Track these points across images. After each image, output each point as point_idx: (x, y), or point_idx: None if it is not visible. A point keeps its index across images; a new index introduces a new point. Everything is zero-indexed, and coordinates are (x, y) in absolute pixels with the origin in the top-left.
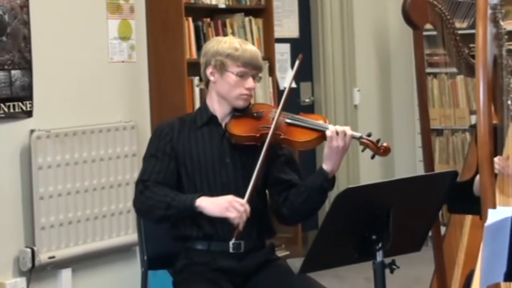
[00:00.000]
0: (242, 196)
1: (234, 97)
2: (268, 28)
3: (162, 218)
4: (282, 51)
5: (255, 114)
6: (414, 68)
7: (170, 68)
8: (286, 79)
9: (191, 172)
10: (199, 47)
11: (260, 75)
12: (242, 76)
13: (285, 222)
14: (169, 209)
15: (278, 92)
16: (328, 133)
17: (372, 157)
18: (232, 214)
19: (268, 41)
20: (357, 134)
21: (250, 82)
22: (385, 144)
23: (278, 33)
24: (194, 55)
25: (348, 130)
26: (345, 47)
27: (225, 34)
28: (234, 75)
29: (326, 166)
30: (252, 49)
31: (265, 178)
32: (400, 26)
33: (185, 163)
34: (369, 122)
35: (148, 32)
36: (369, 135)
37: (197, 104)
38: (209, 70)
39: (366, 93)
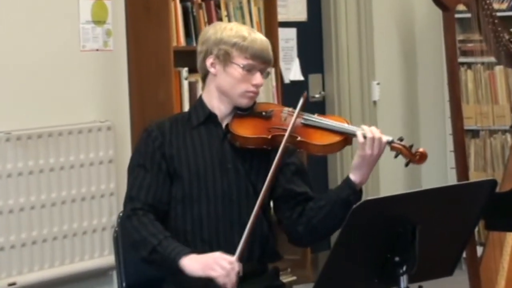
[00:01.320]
0: (244, 209)
1: (238, 94)
2: (270, 9)
3: (144, 260)
4: (288, 37)
5: (263, 113)
6: (445, 57)
7: (153, 58)
8: (293, 115)
9: (187, 180)
10: (187, 33)
11: (268, 70)
12: (249, 70)
13: (299, 243)
14: (153, 254)
15: (283, 87)
16: (360, 138)
17: (406, 165)
18: (215, 273)
19: (271, 26)
20: (389, 138)
21: (258, 78)
22: (421, 150)
23: (282, 15)
24: (182, 42)
25: (382, 135)
26: (362, 32)
27: (219, 18)
28: (240, 68)
29: (354, 177)
30: (262, 39)
31: (271, 189)
32: (428, 8)
33: (180, 171)
34: (391, 122)
35: (127, 14)
36: (400, 139)
37: (186, 100)
38: (209, 61)
39: (387, 87)
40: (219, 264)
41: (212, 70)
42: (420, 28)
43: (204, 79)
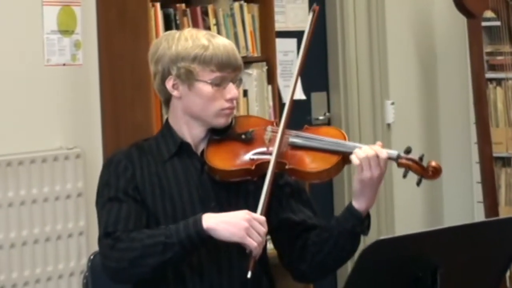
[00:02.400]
0: (234, 254)
1: (212, 115)
2: (266, 17)
3: (157, 267)
4: (287, 50)
5: (243, 137)
6: (470, 72)
7: (130, 73)
8: (294, 64)
9: (162, 221)
10: None
11: (240, 76)
12: (219, 84)
13: (303, 279)
14: (167, 251)
15: (280, 107)
16: (355, 160)
17: (418, 183)
18: (253, 242)
19: (267, 35)
20: (393, 153)
21: (231, 90)
22: (433, 164)
23: (280, 24)
24: None
25: (381, 150)
26: (374, 43)
27: (206, 26)
28: (208, 85)
29: (358, 204)
30: (226, 43)
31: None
32: (450, 14)
33: (155, 213)
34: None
35: (99, 23)
36: (407, 151)
37: None
38: (169, 83)
39: (403, 108)
40: (255, 228)
41: (175, 93)
42: (441, 38)
43: (166, 102)
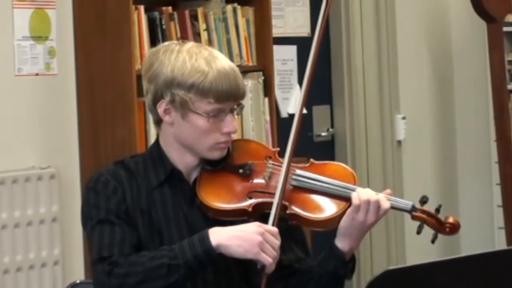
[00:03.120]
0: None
1: (206, 148)
2: (263, 22)
3: None
4: (285, 58)
5: (240, 171)
6: (490, 83)
7: (110, 85)
8: (305, 75)
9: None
10: None
11: (242, 103)
12: (216, 115)
13: None
14: (172, 274)
15: (278, 122)
16: (355, 200)
17: (433, 241)
18: (268, 259)
19: (263, 43)
20: (406, 204)
21: (229, 123)
22: (450, 220)
23: (278, 29)
24: None
25: (384, 200)
26: (383, 51)
27: (195, 32)
28: (204, 118)
29: (341, 244)
30: (227, 69)
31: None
32: (468, 19)
33: (143, 241)
34: (420, 167)
35: (76, 28)
36: (423, 200)
37: (152, 140)
38: (161, 107)
39: (415, 123)
40: (269, 241)
41: (166, 118)
42: (458, 45)
43: (157, 123)
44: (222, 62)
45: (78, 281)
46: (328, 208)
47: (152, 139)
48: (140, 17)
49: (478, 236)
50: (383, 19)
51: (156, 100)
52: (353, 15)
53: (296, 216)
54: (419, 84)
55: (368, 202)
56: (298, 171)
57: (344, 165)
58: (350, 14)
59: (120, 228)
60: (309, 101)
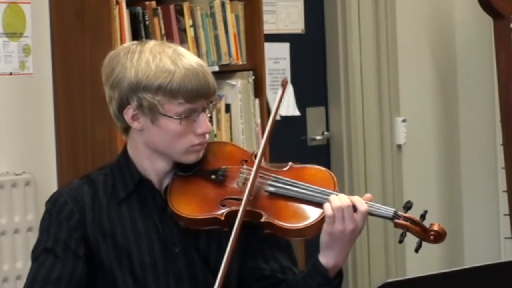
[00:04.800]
0: None
1: (180, 152)
2: (253, 17)
3: None
4: (278, 56)
5: (212, 177)
6: (496, 84)
7: (89, 85)
8: (271, 114)
9: (122, 281)
10: None
11: (213, 100)
12: (188, 116)
13: None
14: None
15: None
16: (327, 210)
17: (417, 249)
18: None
19: (254, 40)
20: (387, 211)
21: (203, 123)
22: (435, 228)
23: (270, 25)
24: None
25: (361, 202)
26: (382, 49)
27: (181, 28)
28: (176, 121)
29: (324, 259)
30: (194, 65)
31: (235, 267)
32: (473, 15)
33: (108, 266)
34: (421, 173)
35: (53, 24)
36: (407, 206)
37: None
38: (128, 113)
39: (417, 126)
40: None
41: (134, 125)
42: (463, 43)
43: (125, 131)
44: (189, 59)
45: None
46: (304, 216)
47: None
48: (121, 13)
49: (483, 247)
50: (383, 14)
51: (122, 107)
52: (350, 10)
53: (271, 224)
54: (421, 84)
55: (341, 209)
56: (274, 176)
57: (324, 169)
58: (347, 9)
59: (61, 265)
60: (303, 102)
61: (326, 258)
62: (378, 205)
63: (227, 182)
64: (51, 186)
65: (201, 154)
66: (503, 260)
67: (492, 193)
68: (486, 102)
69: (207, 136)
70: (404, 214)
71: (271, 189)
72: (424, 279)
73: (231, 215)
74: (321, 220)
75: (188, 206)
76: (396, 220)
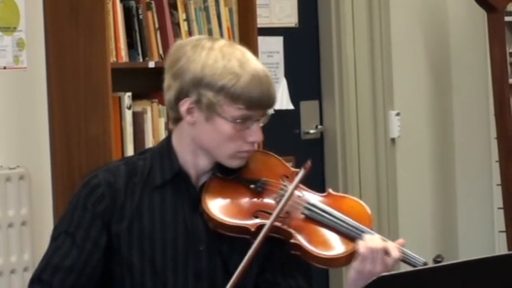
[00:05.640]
0: None
1: (226, 155)
2: (247, 11)
3: None
4: (271, 50)
5: (251, 186)
6: (490, 77)
7: (83, 79)
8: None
9: (139, 269)
10: (131, 44)
11: (269, 112)
12: (243, 121)
13: None
14: None
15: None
16: (361, 248)
17: None
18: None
19: (247, 34)
20: (418, 260)
21: (255, 133)
22: None
23: (263, 19)
24: (124, 57)
25: (394, 249)
26: (376, 42)
27: (175, 22)
28: (230, 124)
29: None
30: (260, 75)
31: (251, 279)
32: (466, 9)
33: (128, 254)
34: (415, 167)
35: (46, 18)
36: (438, 260)
37: (128, 138)
38: (184, 105)
39: (410, 120)
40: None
41: (188, 118)
42: (456, 36)
43: (175, 121)
44: (256, 65)
45: None
46: (334, 246)
47: (128, 137)
48: (115, 7)
49: (477, 240)
50: (376, 8)
51: (179, 98)
52: (343, 3)
53: (299, 246)
54: (415, 78)
55: (375, 251)
56: (313, 199)
57: (363, 203)
58: (340, 2)
59: (77, 253)
60: (296, 96)
61: None
62: (410, 253)
63: (265, 195)
64: (45, 180)
65: (244, 161)
66: (497, 253)
67: (486, 186)
68: (480, 95)
69: (256, 146)
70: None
71: (307, 212)
72: (417, 273)
73: (262, 228)
74: (350, 255)
75: (221, 210)
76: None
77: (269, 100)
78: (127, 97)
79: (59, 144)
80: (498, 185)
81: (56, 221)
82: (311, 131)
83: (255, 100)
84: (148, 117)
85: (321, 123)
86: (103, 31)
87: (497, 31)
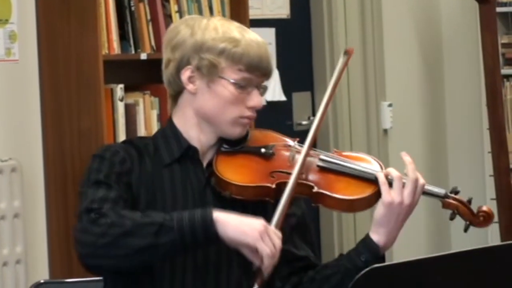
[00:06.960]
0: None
1: (228, 121)
2: (239, 3)
3: (143, 253)
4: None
5: (263, 150)
6: (482, 68)
7: (75, 71)
8: (324, 97)
9: None
10: (123, 36)
11: (265, 83)
12: (244, 86)
13: None
14: (161, 234)
15: (256, 110)
16: (381, 178)
17: (466, 229)
18: (266, 248)
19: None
20: (439, 190)
21: (255, 97)
22: (485, 208)
23: (255, 11)
24: (116, 49)
25: (420, 176)
26: (368, 34)
27: (167, 14)
28: (232, 85)
29: (377, 237)
30: (259, 42)
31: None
32: (458, 1)
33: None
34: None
35: (38, 11)
36: (455, 191)
37: (121, 129)
38: (186, 73)
39: (403, 111)
40: (270, 235)
41: (190, 86)
42: (448, 27)
43: (175, 97)
44: (253, 34)
45: (42, 281)
46: (357, 189)
47: (121, 129)
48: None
49: (470, 232)
50: None
51: (180, 67)
52: None
53: (322, 195)
54: (407, 69)
55: (400, 178)
56: (324, 153)
57: (372, 156)
58: None
59: (117, 191)
60: (288, 87)
61: (377, 236)
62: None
63: (277, 158)
64: (37, 172)
65: (245, 130)
66: (489, 244)
67: (479, 177)
68: (472, 86)
69: (255, 113)
70: (453, 195)
71: (322, 163)
72: (409, 264)
73: (282, 187)
74: (370, 196)
75: (237, 175)
76: (447, 199)
77: (267, 65)
78: (119, 89)
79: (51, 136)
80: (490, 176)
81: (48, 213)
82: (304, 122)
83: (255, 62)
84: (140, 109)
85: (313, 114)
86: (95, 23)
87: (489, 22)
